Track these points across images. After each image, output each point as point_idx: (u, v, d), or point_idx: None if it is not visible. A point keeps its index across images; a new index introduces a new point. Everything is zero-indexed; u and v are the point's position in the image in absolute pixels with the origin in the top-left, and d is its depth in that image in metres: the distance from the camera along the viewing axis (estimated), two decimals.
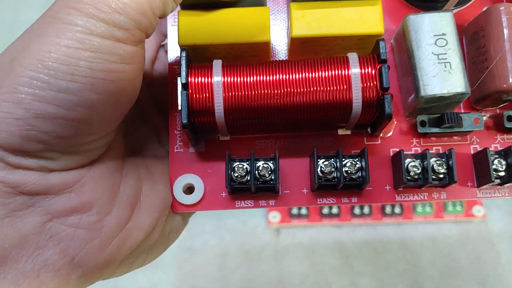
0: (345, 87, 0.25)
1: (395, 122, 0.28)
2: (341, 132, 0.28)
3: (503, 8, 0.26)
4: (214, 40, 0.26)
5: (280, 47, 0.30)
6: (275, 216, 0.59)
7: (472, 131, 0.28)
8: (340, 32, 0.26)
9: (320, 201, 0.28)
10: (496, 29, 0.26)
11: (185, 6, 0.27)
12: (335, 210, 0.57)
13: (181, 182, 0.27)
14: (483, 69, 0.27)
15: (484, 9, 0.27)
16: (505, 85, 0.25)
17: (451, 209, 0.58)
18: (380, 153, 0.28)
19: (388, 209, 0.57)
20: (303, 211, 0.57)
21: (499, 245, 0.58)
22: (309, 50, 0.28)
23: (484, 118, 0.29)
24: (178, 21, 0.26)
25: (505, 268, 0.57)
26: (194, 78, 0.25)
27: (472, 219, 0.59)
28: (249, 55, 0.27)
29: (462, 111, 0.29)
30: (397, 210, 0.57)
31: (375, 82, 0.25)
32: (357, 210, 0.57)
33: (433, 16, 0.26)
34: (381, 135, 0.28)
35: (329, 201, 0.28)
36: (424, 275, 0.57)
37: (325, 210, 0.57)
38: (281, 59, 0.29)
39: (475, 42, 0.28)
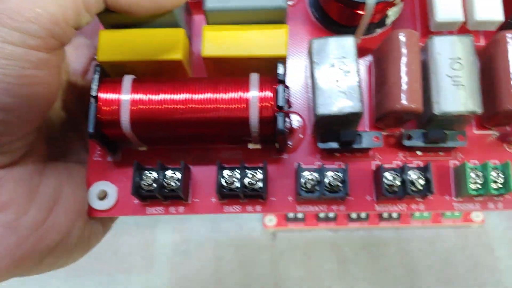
0: (244, 106, 0.27)
1: (302, 136, 0.30)
2: (251, 146, 0.30)
3: (402, 34, 0.28)
4: (130, 57, 0.28)
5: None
6: (271, 219, 0.59)
7: (370, 148, 0.29)
8: (246, 53, 0.28)
9: (226, 209, 0.29)
10: (395, 53, 0.28)
11: (109, 26, 0.29)
12: (331, 214, 0.56)
13: (95, 188, 0.29)
14: (382, 90, 0.28)
15: None
16: (397, 105, 0.27)
17: (449, 214, 0.57)
18: (286, 166, 0.30)
19: (385, 214, 0.56)
20: (300, 214, 0.56)
21: (497, 251, 0.58)
22: (222, 69, 0.29)
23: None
24: (98, 39, 0.28)
25: (503, 274, 0.57)
26: (105, 91, 0.27)
27: (471, 224, 0.58)
28: (166, 72, 0.29)
29: (367, 129, 0.30)
30: (395, 214, 0.57)
31: (272, 102, 0.27)
32: (354, 214, 0.57)
33: (335, 40, 0.28)
34: (285, 150, 0.30)
35: (235, 209, 0.29)
36: (421, 281, 0.57)
37: (322, 214, 0.56)
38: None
39: (379, 65, 0.29)
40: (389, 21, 0.31)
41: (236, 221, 0.60)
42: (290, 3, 0.32)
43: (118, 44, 0.28)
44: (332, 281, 0.57)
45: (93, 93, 0.27)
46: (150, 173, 0.28)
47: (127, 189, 0.29)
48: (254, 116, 0.27)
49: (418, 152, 0.30)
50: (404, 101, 0.27)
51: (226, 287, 0.57)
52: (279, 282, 0.57)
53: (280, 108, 0.26)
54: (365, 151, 0.30)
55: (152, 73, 0.29)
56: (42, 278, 0.55)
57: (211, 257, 0.58)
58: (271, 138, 0.28)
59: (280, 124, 0.26)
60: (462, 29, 0.31)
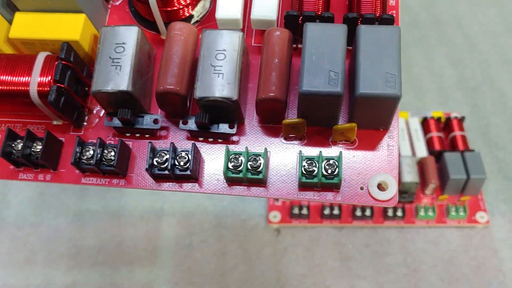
0: (28, 79, 0.30)
1: (98, 115, 0.33)
2: (55, 122, 0.33)
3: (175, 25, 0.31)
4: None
5: None
6: (275, 215, 0.59)
7: (153, 129, 0.32)
8: (46, 36, 0.32)
9: (21, 176, 0.32)
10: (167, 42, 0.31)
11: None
12: (336, 211, 0.57)
13: None
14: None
15: None
16: (160, 87, 0.30)
17: (454, 214, 0.58)
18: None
19: (390, 212, 0.57)
20: (304, 211, 0.58)
21: (501, 253, 0.58)
22: (35, 50, 0.33)
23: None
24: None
25: (507, 276, 0.56)
26: None
27: (475, 225, 0.59)
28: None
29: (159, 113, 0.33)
30: (399, 213, 0.58)
31: (51, 77, 0.30)
32: (358, 212, 0.57)
33: (120, 29, 0.31)
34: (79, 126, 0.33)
35: (28, 176, 0.32)
36: (425, 281, 0.56)
37: (326, 211, 0.57)
38: None
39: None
40: (193, 20, 0.34)
41: (240, 217, 0.61)
42: (116, 3, 0.36)
43: (28, 24, 0.33)
44: (334, 278, 0.57)
45: None
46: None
47: None
48: (33, 88, 0.30)
49: (200, 138, 0.32)
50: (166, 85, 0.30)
51: (229, 281, 0.57)
52: (282, 278, 0.57)
53: (55, 82, 0.30)
54: (150, 132, 0.32)
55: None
56: (45, 270, 0.59)
57: (215, 251, 0.59)
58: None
59: (50, 96, 0.29)
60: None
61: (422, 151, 0.60)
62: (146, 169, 0.30)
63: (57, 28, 0.32)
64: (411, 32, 0.74)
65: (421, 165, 0.60)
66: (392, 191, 0.30)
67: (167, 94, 0.30)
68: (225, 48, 0.30)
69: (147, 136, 0.33)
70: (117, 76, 0.30)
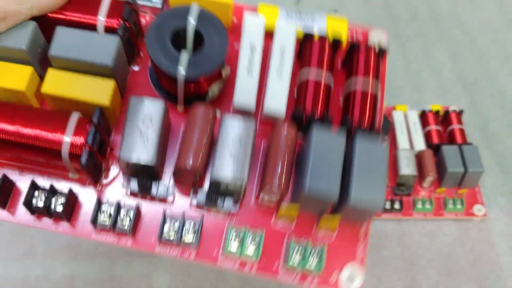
0: (59, 140, 0.33)
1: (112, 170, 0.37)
2: (71, 175, 0.36)
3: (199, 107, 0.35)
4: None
5: None
6: None
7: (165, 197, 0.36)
8: (77, 97, 0.35)
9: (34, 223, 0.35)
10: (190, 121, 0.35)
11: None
12: None
13: None
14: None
15: None
16: (181, 165, 0.34)
17: (451, 207, 0.59)
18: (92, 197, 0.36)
19: (387, 205, 0.58)
20: None
21: (499, 246, 0.58)
22: (63, 106, 0.36)
23: None
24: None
25: (504, 269, 0.57)
26: None
27: (472, 218, 0.59)
28: (18, 101, 0.36)
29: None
30: (397, 206, 0.58)
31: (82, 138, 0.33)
32: None
33: (147, 101, 0.35)
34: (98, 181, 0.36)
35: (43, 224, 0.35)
36: (422, 274, 0.57)
37: None
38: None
39: None
40: (207, 98, 0.38)
41: None
42: (136, 68, 0.40)
43: (60, 81, 0.35)
44: None
45: None
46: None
47: None
48: (65, 149, 0.33)
49: (204, 207, 0.37)
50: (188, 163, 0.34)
51: (226, 277, 0.58)
52: None
53: (88, 146, 0.33)
54: (162, 199, 0.36)
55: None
56: (45, 262, 0.58)
57: None
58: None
59: (83, 158, 0.32)
60: None
61: (420, 144, 0.60)
62: (159, 238, 0.34)
63: (88, 90, 0.34)
64: (410, 27, 0.74)
65: (419, 158, 0.60)
66: (357, 283, 0.37)
67: (187, 172, 0.34)
68: (241, 135, 0.34)
69: (158, 200, 0.36)
70: (144, 150, 0.33)
